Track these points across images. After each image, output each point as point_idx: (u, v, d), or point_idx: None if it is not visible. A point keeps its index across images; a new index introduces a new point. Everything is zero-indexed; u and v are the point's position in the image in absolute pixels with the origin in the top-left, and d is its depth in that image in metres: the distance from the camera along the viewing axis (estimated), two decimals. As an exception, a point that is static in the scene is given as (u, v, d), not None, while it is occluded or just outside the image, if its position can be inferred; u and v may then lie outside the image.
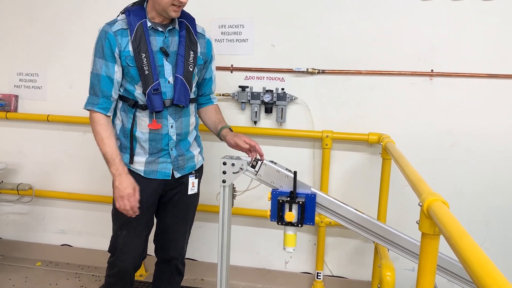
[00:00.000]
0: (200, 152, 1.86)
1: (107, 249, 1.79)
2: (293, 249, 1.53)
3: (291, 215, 1.44)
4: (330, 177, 2.36)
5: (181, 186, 1.77)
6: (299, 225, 1.46)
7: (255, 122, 2.41)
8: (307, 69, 2.30)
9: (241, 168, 1.57)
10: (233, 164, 1.57)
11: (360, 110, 2.31)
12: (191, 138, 1.78)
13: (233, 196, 1.67)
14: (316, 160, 2.38)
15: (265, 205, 2.44)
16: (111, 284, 1.79)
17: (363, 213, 1.60)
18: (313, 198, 1.48)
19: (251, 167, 1.57)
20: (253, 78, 2.39)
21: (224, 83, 2.39)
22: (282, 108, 2.35)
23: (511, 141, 2.19)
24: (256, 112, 2.38)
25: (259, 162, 1.56)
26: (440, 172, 2.25)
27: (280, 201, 1.46)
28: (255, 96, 2.36)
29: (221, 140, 1.77)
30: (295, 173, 1.52)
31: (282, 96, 2.34)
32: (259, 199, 2.44)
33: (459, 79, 2.19)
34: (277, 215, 1.47)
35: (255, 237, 2.51)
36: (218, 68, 2.41)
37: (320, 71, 2.31)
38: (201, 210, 2.45)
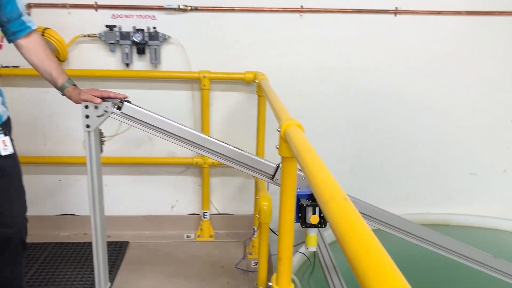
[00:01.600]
0: (3, 102, 1.52)
1: None
2: (316, 248, 1.50)
3: (315, 218, 1.40)
4: (211, 119, 2.34)
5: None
6: (323, 226, 1.43)
7: (127, 65, 2.26)
8: (179, 5, 2.19)
9: (105, 111, 1.47)
10: (96, 107, 1.46)
11: (236, 49, 2.29)
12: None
13: (101, 142, 1.57)
14: (196, 102, 2.33)
15: (145, 152, 2.36)
16: None
17: (242, 150, 1.61)
18: None
19: (117, 108, 1.47)
20: (121, 16, 2.21)
21: (87, 22, 2.18)
22: (156, 49, 2.23)
23: (379, 75, 2.36)
24: (127, 53, 2.23)
25: (125, 103, 1.47)
26: (310, 107, 2.36)
27: (304, 205, 1.41)
28: (124, 36, 2.20)
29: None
30: None
31: (155, 36, 2.21)
32: (138, 146, 2.35)
33: (327, 14, 2.26)
34: (299, 217, 1.42)
35: (138, 185, 2.44)
36: (80, 6, 2.19)
37: (193, 8, 2.21)
38: (73, 163, 2.31)
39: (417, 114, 2.43)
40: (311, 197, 1.43)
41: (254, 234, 2.20)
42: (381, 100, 2.39)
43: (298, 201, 1.42)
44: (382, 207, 1.57)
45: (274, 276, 1.14)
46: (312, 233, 1.48)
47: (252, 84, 2.30)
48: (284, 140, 1.00)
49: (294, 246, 2.22)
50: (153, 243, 2.38)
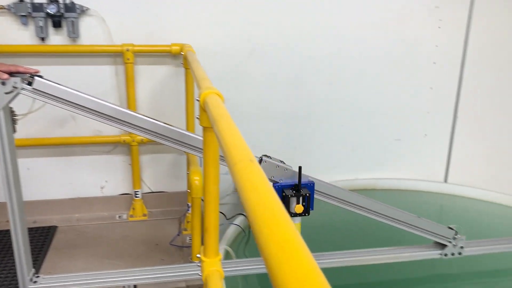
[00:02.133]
0: None
1: None
2: None
3: (300, 207, 1.45)
4: (138, 94, 2.26)
5: None
6: (307, 214, 1.48)
7: (43, 39, 2.11)
8: (96, -26, 2.06)
9: (14, 87, 1.36)
10: (3, 83, 1.34)
11: (162, 21, 2.20)
12: None
13: (14, 122, 1.45)
14: (120, 78, 2.23)
15: (69, 132, 2.24)
16: None
17: (171, 125, 1.57)
18: (313, 186, 1.50)
19: (27, 84, 1.37)
20: (32, -14, 2.05)
21: (-8, -8, 2.00)
22: (73, 21, 2.09)
23: (308, 43, 2.38)
24: (41, 27, 2.07)
25: (37, 78, 1.37)
26: (242, 77, 2.35)
27: (289, 196, 1.45)
28: (37, 8, 2.04)
29: None
30: (300, 168, 1.48)
31: (71, 7, 2.07)
32: (61, 126, 2.22)
33: (253, -15, 2.24)
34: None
35: (64, 167, 2.32)
36: (-18, -26, 1.99)
37: (111, -23, 2.09)
38: None
39: (344, 83, 2.49)
40: (294, 187, 1.48)
41: (188, 210, 2.18)
42: (309, 69, 2.42)
43: (281, 191, 1.48)
44: (314, 176, 1.60)
45: (202, 248, 1.13)
46: (296, 221, 1.52)
47: (180, 57, 2.24)
48: (204, 109, 0.98)
49: (229, 218, 2.24)
50: (83, 225, 2.29)
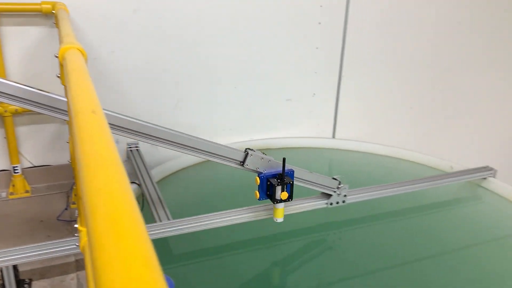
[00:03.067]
0: None
1: None
2: (282, 219, 1.69)
3: (285, 194, 1.60)
4: (6, 58, 2.03)
5: None
6: (291, 199, 1.62)
7: None
8: None
9: None
10: None
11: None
12: None
13: None
14: (-16, 40, 1.98)
15: None
16: None
17: (47, 92, 1.42)
18: (292, 173, 1.66)
19: None
20: None
21: None
22: None
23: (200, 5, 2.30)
24: None
25: None
26: (123, 40, 2.22)
27: (275, 184, 1.59)
28: None
29: None
30: (284, 159, 1.60)
31: None
32: None
33: None
34: (267, 195, 1.63)
35: None
36: None
37: None
38: None
39: (236, 44, 2.48)
40: (278, 176, 1.62)
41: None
42: (197, 31, 2.36)
43: (267, 181, 1.62)
44: (210, 138, 1.58)
45: (78, 218, 1.06)
46: (280, 206, 1.67)
47: (53, 17, 2.04)
48: (63, 66, 0.89)
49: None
50: (-47, 209, 2.06)
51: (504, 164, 3.56)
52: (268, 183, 1.62)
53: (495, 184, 2.21)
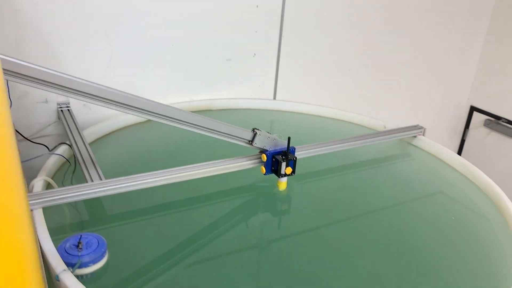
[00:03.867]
0: None
1: None
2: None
3: (289, 169, 1.80)
4: None
5: None
6: (293, 174, 1.83)
7: None
8: None
9: None
10: None
11: None
12: None
13: None
14: None
15: None
16: None
17: None
18: (294, 150, 1.87)
19: None
20: None
21: None
22: None
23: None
24: None
25: None
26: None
27: (280, 161, 1.77)
28: None
29: None
30: (289, 138, 1.79)
31: None
32: None
33: None
34: (272, 170, 1.83)
35: None
36: None
37: None
38: None
39: (171, 2, 2.37)
40: (282, 154, 1.80)
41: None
42: (131, -15, 2.24)
43: (272, 158, 1.80)
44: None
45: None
46: (283, 180, 1.86)
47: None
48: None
49: (51, 150, 2.04)
50: None
51: (434, 123, 3.77)
52: (274, 159, 1.81)
53: (424, 142, 2.33)
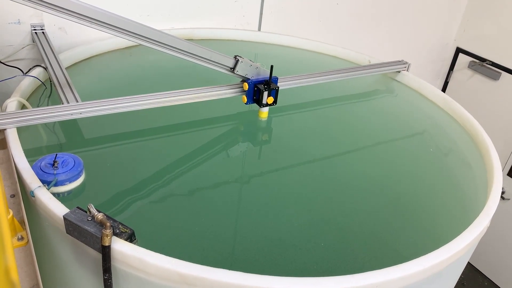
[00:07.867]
0: None
1: None
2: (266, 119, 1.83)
3: (271, 99, 1.75)
4: None
5: None
6: (275, 104, 1.78)
7: None
8: None
9: None
10: None
11: None
12: None
13: None
14: None
15: None
16: None
17: None
18: (276, 80, 1.79)
19: None
20: None
21: None
22: None
23: None
24: None
25: None
26: None
27: (262, 90, 1.72)
28: None
29: None
30: (271, 66, 1.73)
31: None
32: None
33: None
34: (253, 99, 1.76)
35: None
36: None
37: None
38: None
39: None
40: (265, 83, 1.74)
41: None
42: None
43: (254, 86, 1.74)
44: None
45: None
46: (265, 110, 1.81)
47: None
48: None
49: (25, 73, 1.97)
50: None
51: (419, 65, 3.75)
52: (256, 88, 1.75)
53: (407, 77, 2.32)
